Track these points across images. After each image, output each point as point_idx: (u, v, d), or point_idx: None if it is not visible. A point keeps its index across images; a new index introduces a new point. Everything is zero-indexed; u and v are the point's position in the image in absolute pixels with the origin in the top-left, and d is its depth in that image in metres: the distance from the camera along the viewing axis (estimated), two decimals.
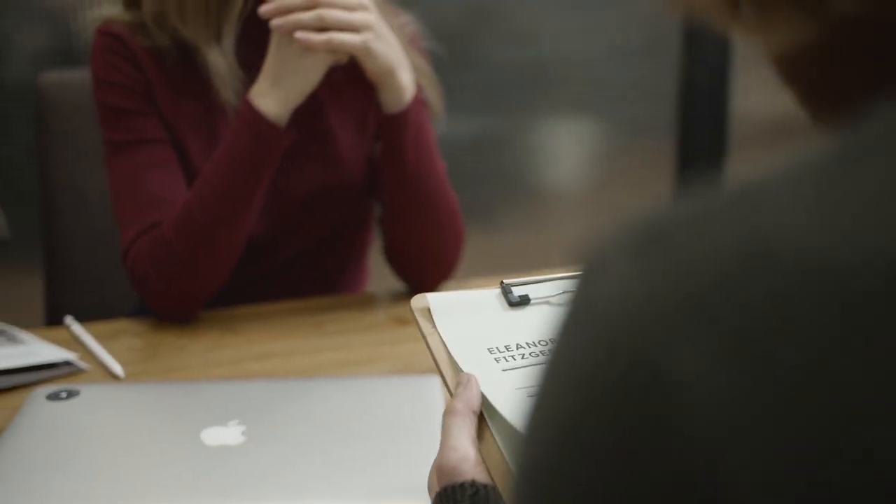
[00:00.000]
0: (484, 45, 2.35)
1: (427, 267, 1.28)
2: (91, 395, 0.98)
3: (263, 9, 1.12)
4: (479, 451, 0.59)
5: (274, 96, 1.14)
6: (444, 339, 0.67)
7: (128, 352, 1.13)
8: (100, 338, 1.15)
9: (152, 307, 1.22)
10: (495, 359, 0.66)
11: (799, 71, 0.34)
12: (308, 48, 1.12)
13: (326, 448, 0.88)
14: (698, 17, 0.33)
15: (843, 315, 0.24)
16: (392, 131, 1.19)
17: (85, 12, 1.28)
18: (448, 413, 0.60)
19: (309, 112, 1.23)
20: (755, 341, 0.25)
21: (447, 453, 0.58)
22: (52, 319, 1.42)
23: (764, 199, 0.27)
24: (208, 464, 0.86)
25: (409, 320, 0.70)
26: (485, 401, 0.62)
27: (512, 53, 2.37)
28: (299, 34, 1.10)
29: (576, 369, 0.27)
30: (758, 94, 2.38)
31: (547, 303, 0.72)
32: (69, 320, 1.20)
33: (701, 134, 2.48)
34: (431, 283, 1.28)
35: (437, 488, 0.58)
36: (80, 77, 1.44)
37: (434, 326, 0.68)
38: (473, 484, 0.55)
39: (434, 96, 1.27)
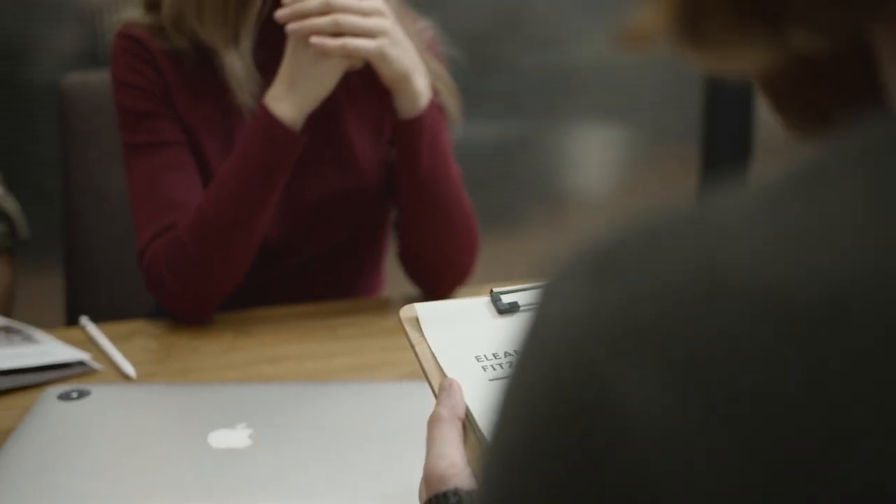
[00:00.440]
0: (511, 51, 2.35)
1: (442, 272, 1.28)
2: (102, 395, 0.98)
3: (279, 13, 1.13)
4: (466, 453, 0.59)
5: (289, 100, 1.15)
6: (432, 348, 0.67)
7: (141, 353, 1.14)
8: (114, 338, 1.16)
9: (167, 309, 1.23)
10: (483, 367, 0.66)
11: (765, 87, 0.33)
12: (323, 53, 1.12)
13: (334, 452, 0.88)
14: (655, 45, 0.32)
15: (793, 344, 0.24)
16: (407, 136, 1.19)
17: (112, 14, 1.28)
18: (433, 421, 0.60)
19: (325, 117, 1.23)
20: (704, 370, 0.24)
21: (434, 462, 0.58)
22: (71, 319, 1.43)
23: (718, 225, 0.26)
24: (213, 466, 0.86)
25: None
26: (468, 411, 0.62)
27: (538, 59, 2.36)
28: (314, 39, 1.11)
29: (527, 394, 0.27)
30: None
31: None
32: (84, 321, 1.21)
33: (726, 140, 2.46)
34: (446, 287, 1.28)
35: (425, 498, 0.57)
36: (102, 79, 1.45)
37: (422, 335, 0.68)
38: (456, 493, 0.55)
39: (451, 102, 1.27)
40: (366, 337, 1.20)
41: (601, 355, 0.26)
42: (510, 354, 0.65)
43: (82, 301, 1.49)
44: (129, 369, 1.08)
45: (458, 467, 0.57)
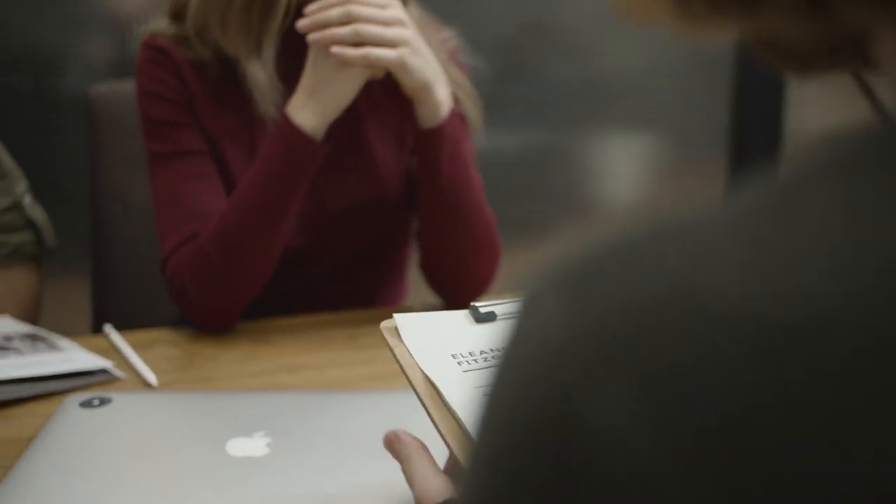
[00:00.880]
0: (536, 59, 2.35)
1: (463, 282, 1.28)
2: (122, 403, 0.99)
3: (301, 23, 1.13)
4: (440, 430, 0.62)
5: (310, 110, 1.15)
6: (409, 348, 0.69)
7: (163, 361, 1.15)
8: (137, 346, 1.17)
9: (190, 318, 1.24)
10: (458, 362, 0.68)
11: (757, 48, 0.33)
12: (344, 63, 1.12)
13: (353, 461, 0.88)
14: (642, 15, 0.33)
15: (767, 366, 0.24)
16: (428, 146, 1.19)
17: (139, 25, 1.30)
18: (406, 460, 0.65)
19: (347, 126, 1.24)
20: (674, 388, 0.24)
21: (423, 485, 0.61)
22: (98, 327, 1.45)
23: (692, 242, 0.26)
24: (231, 474, 0.86)
25: None
26: (443, 398, 0.65)
27: (564, 67, 2.36)
28: (335, 49, 1.11)
29: (502, 408, 0.27)
30: (812, 108, 2.34)
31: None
32: (108, 328, 1.22)
33: (754, 150, 2.45)
34: (467, 297, 1.28)
35: None
36: (130, 89, 1.47)
37: (401, 340, 0.71)
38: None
39: (473, 111, 1.27)
40: (386, 346, 1.20)
41: (574, 371, 0.26)
42: (485, 353, 0.69)
43: (109, 308, 1.51)
44: (151, 377, 1.09)
45: (444, 483, 0.60)
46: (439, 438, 0.63)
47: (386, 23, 1.12)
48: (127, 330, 1.23)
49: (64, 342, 1.17)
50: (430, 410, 0.65)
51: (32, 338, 1.18)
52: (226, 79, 1.24)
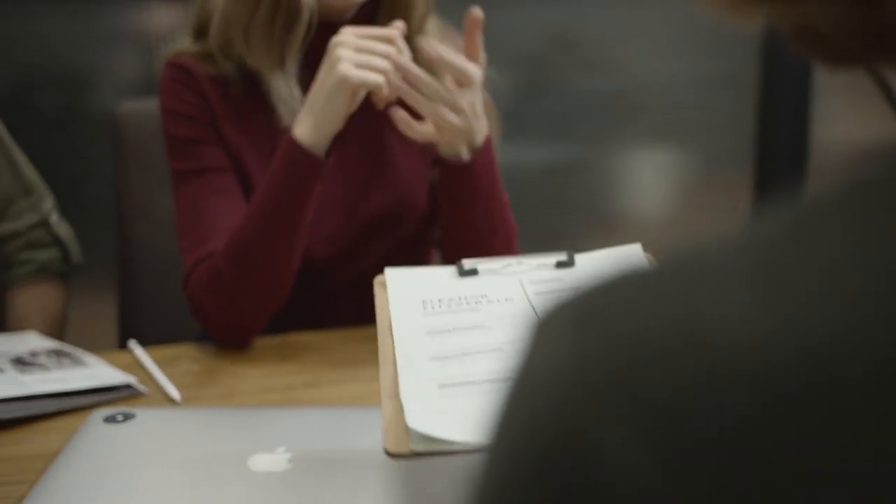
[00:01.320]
0: (563, 73, 2.35)
1: None
2: (146, 418, 0.99)
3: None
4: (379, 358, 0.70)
5: (306, 123, 1.15)
6: (388, 293, 0.79)
7: (186, 376, 1.15)
8: (161, 362, 1.17)
9: (211, 334, 1.24)
10: (424, 306, 0.79)
11: (792, 35, 0.33)
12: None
13: (374, 477, 0.88)
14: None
15: (771, 406, 0.24)
16: (461, 178, 1.20)
17: (166, 44, 1.31)
18: None
19: (370, 137, 1.24)
20: (681, 423, 0.24)
21: None
22: (124, 342, 1.46)
23: (703, 277, 0.26)
24: (253, 490, 0.86)
25: None
26: (392, 331, 0.76)
27: (591, 82, 2.36)
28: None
29: (508, 441, 0.28)
30: (839, 122, 2.32)
31: (494, 273, 0.84)
32: (132, 344, 1.23)
33: (781, 164, 2.43)
34: None
35: None
36: (156, 107, 1.48)
37: (385, 290, 0.81)
38: None
39: (492, 125, 1.27)
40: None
41: (578, 404, 0.26)
42: (452, 301, 0.80)
43: (135, 324, 1.52)
44: (174, 393, 1.09)
45: None
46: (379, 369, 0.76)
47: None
48: (152, 345, 1.23)
49: (89, 358, 1.18)
50: (379, 343, 0.76)
51: (58, 353, 1.19)
52: (248, 94, 1.25)
